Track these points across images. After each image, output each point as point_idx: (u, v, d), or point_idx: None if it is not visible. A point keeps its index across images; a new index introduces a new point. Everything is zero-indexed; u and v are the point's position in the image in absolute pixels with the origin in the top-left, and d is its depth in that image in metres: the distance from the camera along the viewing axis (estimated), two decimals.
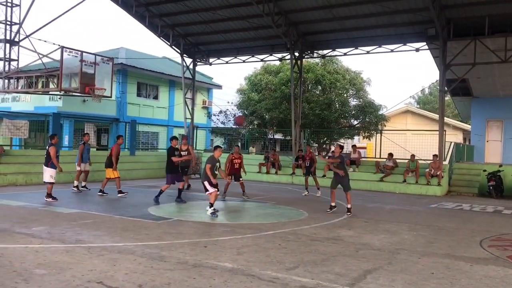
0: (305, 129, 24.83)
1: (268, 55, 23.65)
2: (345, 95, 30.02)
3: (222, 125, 32.07)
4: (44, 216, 9.56)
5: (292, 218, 10.53)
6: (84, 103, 25.07)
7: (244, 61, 24.22)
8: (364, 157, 25.54)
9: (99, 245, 6.96)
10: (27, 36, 17.55)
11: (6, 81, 17.97)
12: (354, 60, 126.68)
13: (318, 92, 30.14)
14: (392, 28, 19.41)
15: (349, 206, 11.30)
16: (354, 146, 21.60)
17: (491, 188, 17.27)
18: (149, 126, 27.66)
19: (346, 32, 20.43)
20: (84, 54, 15.94)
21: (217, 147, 11.30)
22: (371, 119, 29.64)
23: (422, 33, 18.58)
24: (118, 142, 13.76)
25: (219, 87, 36.29)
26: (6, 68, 17.68)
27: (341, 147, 12.25)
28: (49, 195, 11.80)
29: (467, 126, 36.84)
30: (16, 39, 17.70)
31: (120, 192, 13.16)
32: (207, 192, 10.41)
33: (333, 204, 11.38)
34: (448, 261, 6.87)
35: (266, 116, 30.06)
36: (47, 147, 12.28)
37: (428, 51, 19.74)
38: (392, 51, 20.40)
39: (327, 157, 11.48)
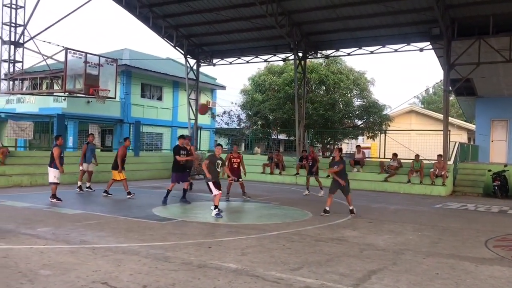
0: (309, 129, 24.82)
1: (271, 55, 23.66)
2: (349, 95, 30.00)
3: (226, 126, 32.10)
4: (48, 217, 9.59)
5: (296, 219, 10.52)
6: (88, 104, 25.14)
7: (247, 62, 24.23)
8: (369, 157, 25.48)
9: (103, 246, 6.97)
10: (32, 38, 17.64)
11: (11, 82, 18.07)
12: (358, 60, 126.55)
13: (322, 92, 30.14)
14: (396, 28, 19.37)
15: (351, 207, 11.23)
16: (358, 147, 21.57)
17: (496, 188, 17.19)
18: (153, 127, 27.72)
19: (350, 32, 20.41)
20: (88, 55, 16.01)
21: (217, 145, 11.23)
22: (375, 119, 29.61)
23: (426, 32, 18.54)
24: (124, 144, 13.73)
25: (222, 87, 36.32)
26: (11, 70, 17.77)
27: (340, 150, 12.07)
28: (53, 196, 11.83)
29: (472, 126, 36.73)
30: (21, 41, 17.79)
31: (128, 193, 13.15)
32: (212, 194, 10.40)
33: (327, 208, 11.13)
34: (453, 261, 6.85)
35: (270, 117, 30.09)
36: (52, 148, 12.34)
37: (432, 50, 19.70)
38: (396, 51, 20.36)
39: (334, 167, 11.17)
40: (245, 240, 7.80)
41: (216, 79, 36.43)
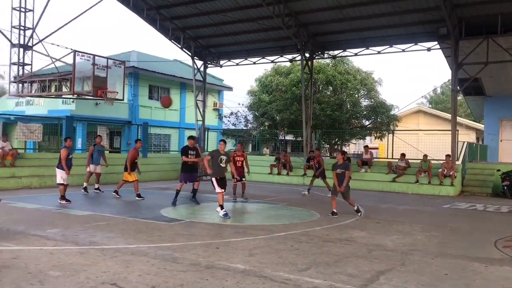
0: (316, 130, 24.78)
1: (278, 56, 23.66)
2: (356, 95, 29.95)
3: (233, 127, 32.14)
4: (58, 219, 9.67)
5: (304, 219, 10.51)
6: (96, 106, 25.28)
7: (254, 63, 24.24)
8: (376, 157, 25.43)
9: (112, 247, 7.02)
10: (40, 41, 17.76)
11: (20, 85, 18.20)
12: (365, 60, 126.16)
13: (329, 93, 30.11)
14: (403, 27, 19.30)
15: (355, 208, 11.14)
16: (366, 147, 21.52)
17: (505, 188, 17.07)
18: (161, 129, 27.83)
19: (357, 33, 20.36)
20: (96, 57, 16.08)
21: (220, 140, 11.12)
22: (383, 120, 29.53)
23: (434, 32, 18.45)
24: (135, 146, 13.76)
25: (229, 89, 36.39)
26: (20, 73, 17.90)
27: (343, 153, 11.92)
28: (62, 197, 11.89)
29: (480, 126, 36.52)
30: (30, 44, 17.92)
31: (138, 196, 13.18)
32: (216, 191, 10.36)
33: (334, 210, 11.01)
34: (462, 262, 6.82)
35: (277, 117, 30.09)
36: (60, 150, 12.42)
37: (440, 50, 19.60)
38: (403, 51, 20.28)
39: (337, 170, 11.08)
40: (252, 241, 7.82)
41: (223, 80, 36.52)
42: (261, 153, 29.29)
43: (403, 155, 19.09)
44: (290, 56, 23.74)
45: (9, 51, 17.93)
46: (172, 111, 31.09)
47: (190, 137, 12.85)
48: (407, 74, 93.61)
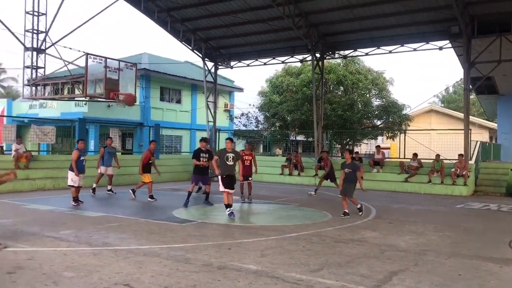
0: (328, 130, 24.71)
1: (289, 57, 23.63)
2: (367, 95, 29.83)
3: (244, 128, 32.17)
4: (71, 220, 9.76)
5: (316, 220, 10.49)
6: (108, 108, 25.47)
7: (265, 64, 24.24)
8: (388, 157, 25.29)
9: (125, 248, 7.07)
10: (53, 44, 17.97)
11: (34, 88, 18.43)
12: (376, 60, 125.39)
13: (340, 93, 30.02)
14: (414, 26, 19.17)
15: (358, 206, 11.15)
16: (378, 147, 21.42)
17: None
18: (172, 130, 27.95)
19: (368, 32, 20.27)
20: (108, 60, 16.25)
21: (226, 138, 11.01)
22: (395, 119, 29.37)
23: (445, 31, 18.29)
24: (149, 147, 13.81)
25: (240, 90, 36.43)
26: (34, 76, 18.12)
27: (351, 152, 11.86)
28: (74, 199, 11.93)
29: (493, 125, 36.15)
30: (43, 47, 18.14)
31: (151, 197, 13.25)
32: (220, 189, 10.31)
33: (346, 211, 10.98)
34: (476, 262, 6.76)
35: (288, 118, 30.06)
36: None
37: (452, 49, 19.44)
38: (414, 50, 20.15)
39: (345, 169, 11.10)
40: (264, 242, 7.82)
41: (233, 81, 36.57)
42: (272, 154, 29.29)
43: (415, 155, 18.96)
44: (300, 57, 23.71)
45: (23, 55, 18.17)
46: (183, 112, 31.23)
47: (202, 140, 12.80)
48: (419, 73, 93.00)
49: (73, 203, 11.83)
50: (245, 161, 13.29)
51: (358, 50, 22.18)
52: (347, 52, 23.16)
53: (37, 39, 18.09)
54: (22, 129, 25.56)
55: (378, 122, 31.03)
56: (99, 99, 18.79)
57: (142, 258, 6.49)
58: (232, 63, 25.01)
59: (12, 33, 17.59)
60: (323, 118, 22.98)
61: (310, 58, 22.28)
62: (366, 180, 18.76)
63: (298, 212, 11.83)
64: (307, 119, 27.44)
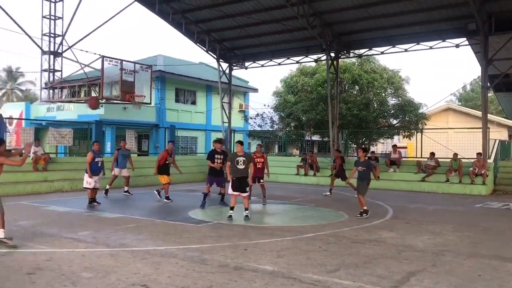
0: (343, 130, 24.58)
1: (303, 56, 23.58)
2: (383, 94, 29.60)
3: (259, 128, 32.17)
4: (89, 221, 9.86)
5: (332, 220, 10.44)
6: (124, 110, 25.70)
7: (279, 64, 24.22)
8: (405, 157, 25.06)
9: (142, 249, 7.12)
10: (70, 47, 18.17)
11: (51, 91, 18.65)
12: (392, 58, 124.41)
13: (355, 92, 29.85)
14: (430, 24, 18.97)
15: (364, 208, 10.79)
16: (394, 146, 21.24)
17: None
18: (187, 131, 28.09)
19: (383, 31, 20.12)
20: (124, 62, 16.34)
21: (236, 142, 10.86)
22: (411, 118, 29.10)
23: (462, 28, 18.07)
24: (166, 148, 13.83)
25: (255, 90, 36.46)
26: (51, 79, 18.35)
27: (365, 150, 11.65)
28: (89, 200, 11.99)
29: None
30: (60, 51, 18.36)
31: (167, 198, 13.31)
32: (228, 192, 10.26)
33: (365, 207, 10.86)
34: (495, 262, 6.66)
35: (303, 118, 29.98)
36: None
37: (469, 46, 19.19)
38: (431, 48, 19.93)
39: (359, 167, 10.93)
40: (280, 242, 7.81)
41: (248, 82, 36.62)
42: (287, 154, 29.24)
43: (432, 154, 18.77)
44: (315, 56, 23.64)
45: (40, 58, 18.42)
46: (198, 113, 31.36)
47: (217, 141, 12.78)
48: (435, 71, 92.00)
49: (88, 205, 11.90)
50: (257, 163, 12.93)
51: (373, 49, 22.03)
52: (362, 51, 23.02)
53: (54, 43, 18.32)
54: (40, 132, 25.91)
55: (394, 121, 30.78)
56: (115, 101, 18.93)
57: (159, 259, 6.53)
58: (247, 64, 25.03)
59: (30, 38, 17.85)
60: (339, 118, 22.87)
61: (324, 57, 22.20)
62: (383, 180, 18.63)
63: (314, 213, 11.79)
64: (322, 119, 27.33)
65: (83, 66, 17.51)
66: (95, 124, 19.70)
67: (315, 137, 32.54)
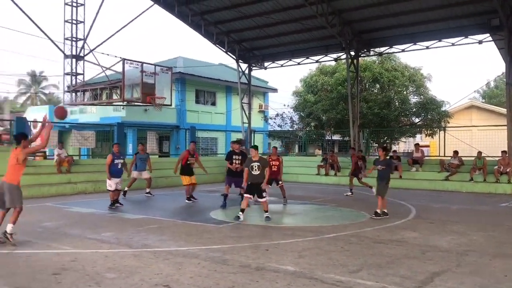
0: (364, 129, 24.38)
1: (323, 55, 23.47)
2: (404, 92, 29.25)
3: (279, 128, 32.13)
4: (112, 222, 9.98)
5: (354, 220, 10.35)
6: (145, 112, 25.96)
7: (299, 63, 24.16)
8: (428, 155, 24.71)
9: (164, 250, 7.17)
10: (91, 51, 18.44)
11: (73, 94, 18.95)
12: (413, 56, 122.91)
13: (376, 91, 29.56)
14: (452, 20, 18.69)
15: (384, 210, 10.58)
16: (416, 145, 20.99)
17: None
18: (208, 132, 28.22)
19: (404, 28, 19.91)
20: (144, 65, 16.51)
21: (251, 147, 10.79)
22: (434, 116, 28.67)
23: (485, 24, 17.75)
24: (188, 148, 13.93)
25: (274, 90, 36.44)
26: (73, 82, 18.65)
27: (385, 149, 11.34)
28: (111, 202, 12.10)
29: None
30: (81, 54, 18.65)
31: (188, 199, 13.40)
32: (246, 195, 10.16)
33: (385, 210, 10.63)
34: None
35: (323, 117, 29.82)
36: None
37: (492, 42, 18.83)
38: (453, 45, 19.63)
39: (378, 166, 10.71)
40: (301, 243, 7.78)
41: (267, 82, 36.61)
42: (308, 154, 29.12)
43: (456, 152, 18.46)
44: (335, 55, 23.51)
45: (63, 62, 18.74)
46: (218, 114, 31.48)
47: (235, 141, 12.79)
48: (458, 68, 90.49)
49: (109, 207, 11.99)
50: (273, 166, 12.67)
51: (394, 46, 21.81)
52: (382, 49, 22.81)
53: (76, 47, 18.62)
54: (63, 134, 26.37)
55: (416, 120, 30.39)
56: (136, 103, 19.15)
57: (181, 259, 6.57)
58: (266, 64, 25.05)
59: (53, 42, 18.18)
60: (359, 117, 22.69)
61: (344, 56, 22.06)
62: (405, 179, 18.46)
63: (335, 213, 11.71)
64: (343, 118, 27.15)
65: (104, 69, 17.75)
66: (117, 126, 19.94)
67: (336, 137, 32.33)
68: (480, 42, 18.97)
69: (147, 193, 15.00)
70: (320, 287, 5.32)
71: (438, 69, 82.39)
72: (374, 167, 10.98)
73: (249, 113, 25.22)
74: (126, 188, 14.59)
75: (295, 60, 24.02)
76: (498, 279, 5.68)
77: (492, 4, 15.92)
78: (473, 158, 17.87)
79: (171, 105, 18.76)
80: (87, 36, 18.61)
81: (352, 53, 21.63)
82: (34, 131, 26.83)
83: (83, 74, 18.84)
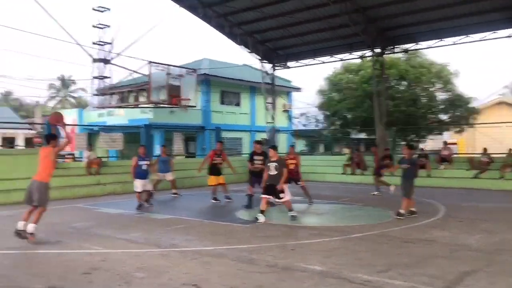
0: (391, 127, 24.09)
1: (347, 54, 23.27)
2: (431, 89, 28.78)
3: (303, 128, 32.04)
4: (140, 222, 10.15)
5: (381, 220, 10.25)
6: (172, 114, 26.22)
7: (323, 62, 24.02)
8: (456, 153, 24.26)
9: (192, 249, 7.26)
10: (118, 54, 18.76)
11: (102, 97, 19.32)
12: (440, 52, 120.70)
13: (402, 88, 29.16)
14: (480, 15, 18.28)
15: (411, 209, 10.34)
16: (445, 142, 20.62)
17: None
18: (232, 132, 28.34)
19: (429, 24, 19.57)
20: (170, 67, 16.69)
21: (269, 147, 10.73)
22: (462, 113, 28.13)
23: None
24: (215, 148, 14.11)
25: (298, 89, 36.31)
26: (101, 85, 19.02)
27: (410, 147, 11.04)
28: (138, 204, 12.22)
29: None
30: (109, 58, 19.00)
31: (214, 199, 13.50)
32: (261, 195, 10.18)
33: (413, 209, 10.42)
34: None
35: (348, 116, 29.59)
36: None
37: None
38: (481, 40, 19.20)
39: (402, 165, 10.51)
40: (328, 242, 7.76)
41: (291, 81, 36.52)
42: (333, 153, 28.96)
43: (485, 149, 18.07)
44: (359, 53, 23.28)
45: (91, 66, 19.16)
46: (243, 114, 31.56)
47: (257, 142, 12.82)
48: (487, 64, 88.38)
49: (137, 208, 12.10)
50: (290, 165, 12.21)
51: (419, 43, 21.45)
52: (408, 45, 22.46)
53: (103, 51, 18.99)
54: (92, 137, 26.90)
55: (444, 117, 29.86)
56: (162, 105, 19.38)
57: (209, 259, 6.64)
58: (290, 63, 24.98)
59: (82, 47, 18.56)
60: (386, 115, 22.43)
61: (369, 54, 21.84)
62: (434, 177, 18.17)
63: (362, 212, 11.63)
64: (369, 116, 26.89)
65: (131, 72, 18.01)
66: (144, 128, 20.21)
67: (362, 135, 32.05)
68: (509, 36, 18.50)
69: (173, 193, 15.18)
70: (348, 287, 5.31)
71: (466, 65, 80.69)
72: (399, 166, 10.85)
73: (274, 113, 25.21)
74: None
75: (318, 59, 23.87)
76: None
77: None
78: (504, 156, 17.45)
79: (196, 106, 18.92)
80: (114, 40, 18.98)
81: (377, 50, 21.39)
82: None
83: (110, 77, 19.20)
